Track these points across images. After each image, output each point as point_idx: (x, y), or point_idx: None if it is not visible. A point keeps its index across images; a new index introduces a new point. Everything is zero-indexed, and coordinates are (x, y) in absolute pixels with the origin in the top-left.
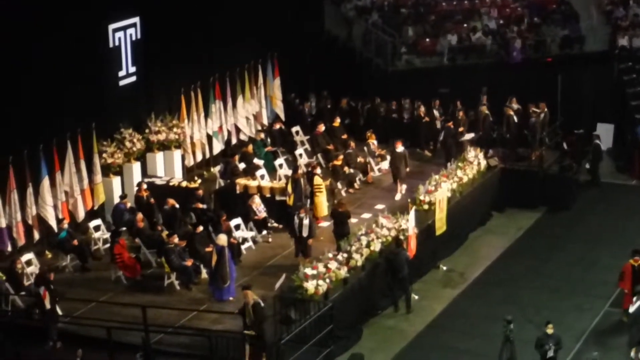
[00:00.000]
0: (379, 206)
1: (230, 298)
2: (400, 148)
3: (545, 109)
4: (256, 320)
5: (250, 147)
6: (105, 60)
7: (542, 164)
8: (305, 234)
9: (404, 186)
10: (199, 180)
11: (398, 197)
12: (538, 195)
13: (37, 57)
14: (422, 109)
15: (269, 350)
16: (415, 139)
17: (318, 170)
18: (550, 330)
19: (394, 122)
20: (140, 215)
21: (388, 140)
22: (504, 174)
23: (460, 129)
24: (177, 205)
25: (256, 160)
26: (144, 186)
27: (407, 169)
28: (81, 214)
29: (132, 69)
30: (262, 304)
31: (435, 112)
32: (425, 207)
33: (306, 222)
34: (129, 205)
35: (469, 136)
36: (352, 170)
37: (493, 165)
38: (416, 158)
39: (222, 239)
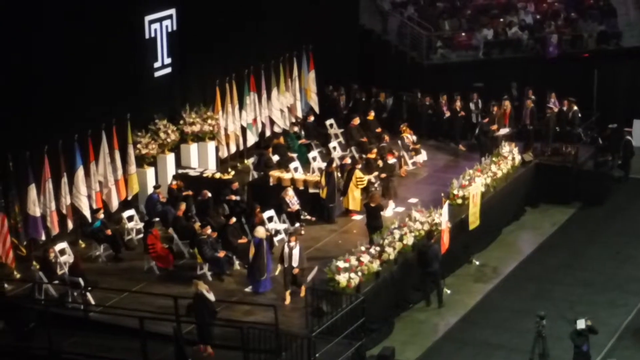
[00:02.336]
0: (412, 200)
1: (267, 290)
2: (392, 160)
3: (575, 107)
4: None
5: (283, 139)
6: (141, 52)
7: (576, 159)
8: (294, 263)
9: (392, 205)
10: (233, 172)
11: (390, 212)
12: (572, 190)
13: (73, 47)
14: (459, 103)
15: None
16: (451, 133)
17: (359, 166)
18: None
19: (430, 116)
20: (183, 205)
21: (422, 135)
22: (538, 169)
23: (494, 127)
24: (210, 195)
25: (290, 153)
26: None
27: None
28: (115, 204)
29: (168, 61)
30: (212, 298)
31: (472, 106)
32: (459, 201)
33: (296, 251)
34: (162, 196)
35: (503, 131)
36: None
37: (527, 160)
38: (451, 152)
39: (261, 232)
